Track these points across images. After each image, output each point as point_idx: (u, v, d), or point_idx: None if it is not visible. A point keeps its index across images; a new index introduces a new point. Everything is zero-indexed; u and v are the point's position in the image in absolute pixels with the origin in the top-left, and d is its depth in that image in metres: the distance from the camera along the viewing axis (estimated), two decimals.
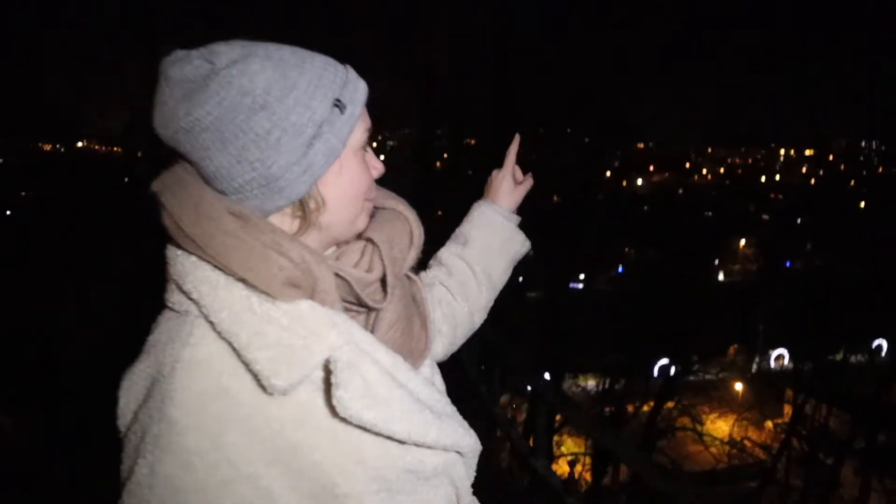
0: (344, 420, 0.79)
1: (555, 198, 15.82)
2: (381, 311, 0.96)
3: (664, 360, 16.51)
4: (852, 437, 14.01)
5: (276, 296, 0.79)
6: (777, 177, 51.12)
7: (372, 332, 0.95)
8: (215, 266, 0.79)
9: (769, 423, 18.85)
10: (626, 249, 21.79)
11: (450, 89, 12.89)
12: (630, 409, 15.69)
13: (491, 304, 1.42)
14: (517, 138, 1.46)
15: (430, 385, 0.92)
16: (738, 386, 21.35)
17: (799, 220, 24.08)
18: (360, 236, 0.96)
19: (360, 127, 0.88)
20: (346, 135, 0.85)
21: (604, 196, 16.76)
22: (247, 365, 0.77)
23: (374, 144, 0.97)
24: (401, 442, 0.84)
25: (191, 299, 0.80)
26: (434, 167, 13.80)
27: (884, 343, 18.16)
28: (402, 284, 1.01)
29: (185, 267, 0.81)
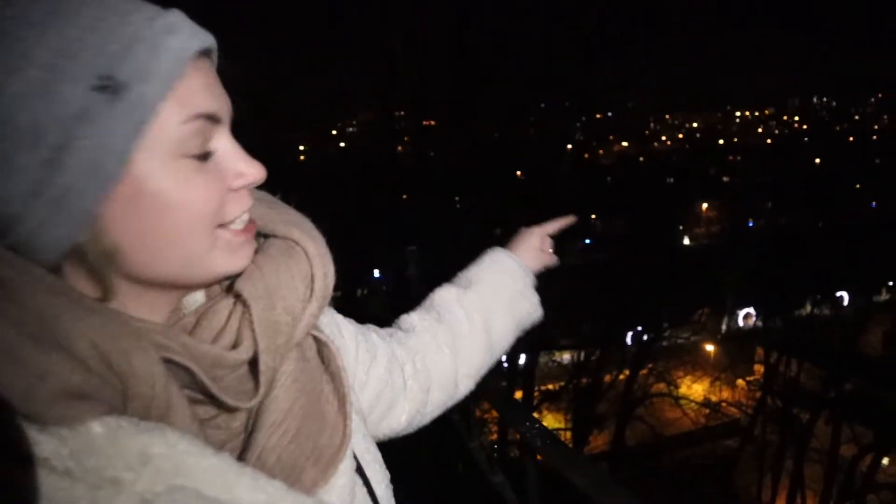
0: None
1: (518, 173, 15.75)
2: (265, 402, 0.63)
3: (637, 328, 16.70)
4: (825, 389, 14.38)
5: (52, 417, 0.47)
6: (734, 138, 51.91)
7: (250, 435, 0.62)
8: None
9: (741, 382, 19.26)
10: (593, 219, 21.92)
11: (408, 70, 12.69)
12: (607, 379, 15.86)
13: (482, 372, 1.13)
14: (571, 218, 1.28)
15: None
16: (710, 347, 21.76)
17: (758, 180, 24.44)
18: (230, 287, 0.63)
19: (174, 113, 0.53)
20: (130, 133, 0.51)
21: (568, 168, 16.75)
22: None
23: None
24: None
25: None
26: (395, 151, 13.61)
27: (845, 294, 18.59)
28: (303, 355, 0.68)
29: None
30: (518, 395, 12.96)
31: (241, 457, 0.61)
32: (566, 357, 16.73)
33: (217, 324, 0.61)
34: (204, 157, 0.57)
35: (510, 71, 14.02)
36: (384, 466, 0.79)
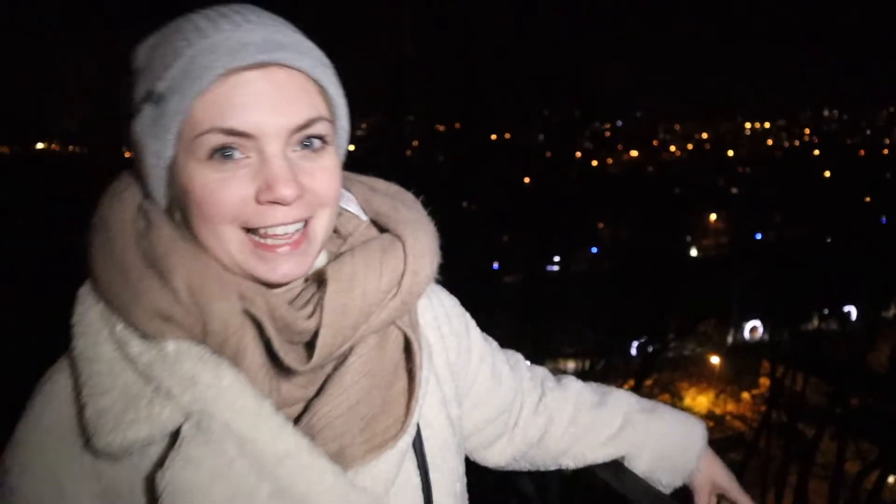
0: None
1: (526, 179, 15.75)
2: (334, 375, 0.71)
3: (642, 338, 16.63)
4: (831, 405, 14.26)
5: (142, 329, 0.62)
6: (744, 150, 51.74)
7: (313, 399, 0.71)
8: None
9: (746, 395, 19.15)
10: (601, 227, 21.90)
11: (418, 73, 12.71)
12: None
13: (582, 465, 1.14)
14: None
15: (349, 496, 0.66)
16: (715, 359, 21.65)
17: (767, 192, 24.37)
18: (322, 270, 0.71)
19: (194, 123, 0.63)
20: (165, 136, 0.64)
21: (576, 176, 16.74)
22: (81, 409, 0.62)
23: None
24: None
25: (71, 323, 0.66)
26: (404, 154, 13.62)
27: (853, 309, 18.49)
28: (382, 344, 0.74)
29: (86, 283, 0.67)
30: None
31: (300, 417, 0.70)
32: (570, 365, 16.68)
33: (308, 294, 0.70)
34: (231, 165, 0.65)
35: (521, 76, 14.04)
36: (459, 480, 0.82)
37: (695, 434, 1.15)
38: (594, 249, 22.03)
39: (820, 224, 18.18)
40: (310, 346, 0.69)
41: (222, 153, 0.64)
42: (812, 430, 14.31)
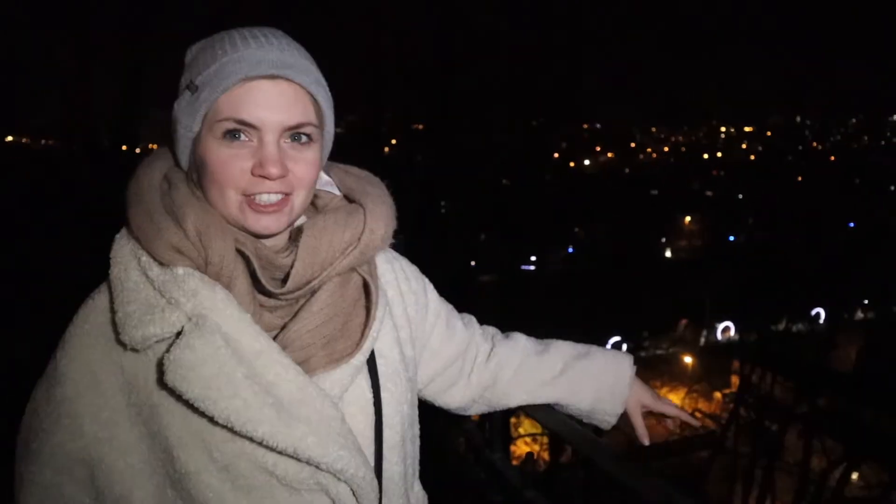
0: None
1: (503, 181, 15.81)
2: (305, 304, 0.90)
3: (616, 338, 16.79)
4: (796, 403, 14.54)
5: (160, 258, 0.82)
6: (718, 154, 52.38)
7: (288, 322, 0.90)
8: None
9: (718, 394, 19.42)
10: (576, 229, 22.07)
11: (396, 73, 12.70)
12: None
13: (523, 404, 1.34)
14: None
15: (307, 387, 0.84)
16: (688, 359, 21.94)
17: (740, 196, 24.75)
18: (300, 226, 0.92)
19: (217, 112, 0.83)
20: (196, 116, 0.84)
21: (552, 177, 16.85)
22: (113, 315, 0.82)
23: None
24: (229, 429, 0.80)
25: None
26: (382, 152, 13.61)
27: (821, 311, 18.85)
28: (343, 284, 0.93)
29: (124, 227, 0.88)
30: None
31: (277, 336, 0.89)
32: None
33: (288, 246, 0.92)
34: (237, 145, 0.85)
35: (498, 76, 14.09)
36: (408, 405, 1.01)
37: (624, 366, 1.33)
38: (570, 249, 22.22)
39: (791, 227, 18.51)
40: (286, 283, 0.88)
41: (232, 135, 0.84)
42: (781, 427, 14.56)
